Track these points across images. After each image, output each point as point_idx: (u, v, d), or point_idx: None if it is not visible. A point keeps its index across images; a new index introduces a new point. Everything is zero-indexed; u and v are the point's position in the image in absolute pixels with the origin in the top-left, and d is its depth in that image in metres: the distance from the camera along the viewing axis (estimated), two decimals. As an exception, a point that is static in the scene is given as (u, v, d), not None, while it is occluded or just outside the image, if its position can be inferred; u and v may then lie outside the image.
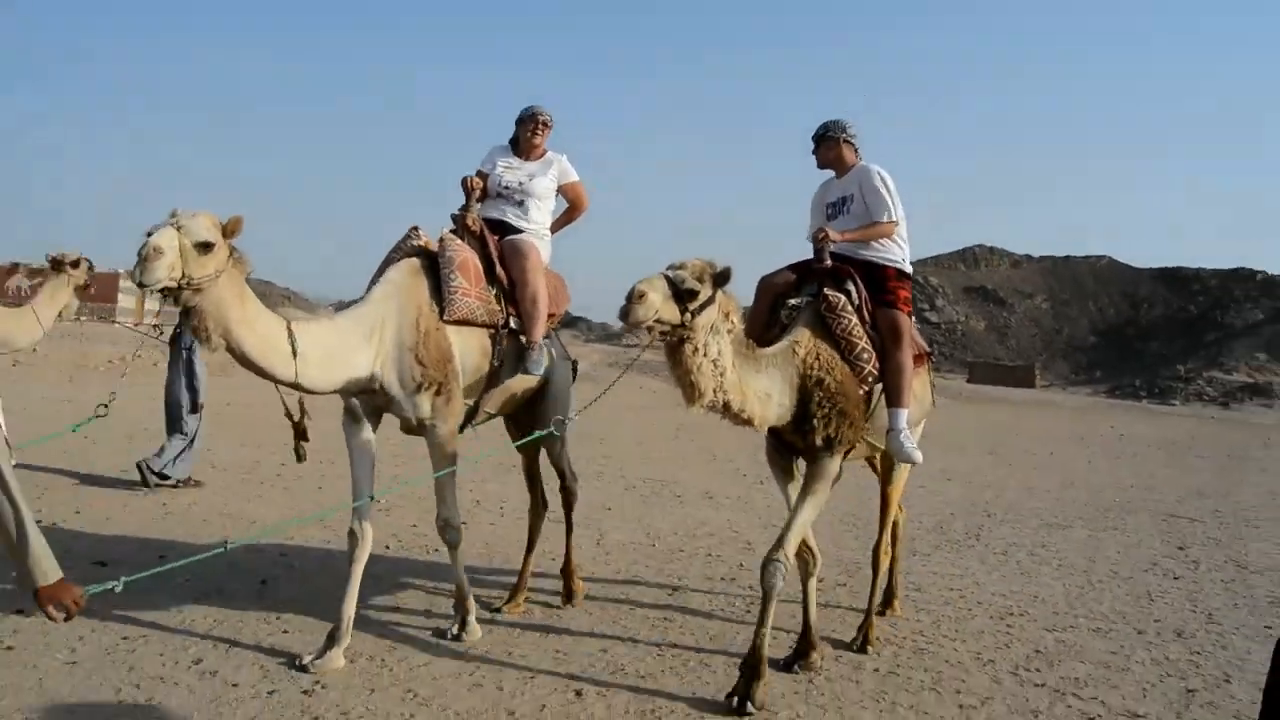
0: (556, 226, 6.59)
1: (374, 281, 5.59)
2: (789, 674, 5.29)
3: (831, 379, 5.26)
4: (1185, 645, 6.25)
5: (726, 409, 5.00)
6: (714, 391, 4.85)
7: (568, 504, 6.81)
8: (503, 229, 6.21)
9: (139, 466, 9.68)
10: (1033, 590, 7.49)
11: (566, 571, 6.63)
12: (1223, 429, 31.65)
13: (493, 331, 5.82)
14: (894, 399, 5.51)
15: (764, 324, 5.63)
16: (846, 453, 5.47)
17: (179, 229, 4.40)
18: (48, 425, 9.22)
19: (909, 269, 5.95)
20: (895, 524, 6.54)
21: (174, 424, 9.93)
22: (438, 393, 5.36)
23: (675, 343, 4.75)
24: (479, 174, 6.30)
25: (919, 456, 5.64)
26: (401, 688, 4.82)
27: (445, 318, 5.51)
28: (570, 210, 6.65)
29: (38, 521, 3.05)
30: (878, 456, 6.09)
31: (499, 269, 5.98)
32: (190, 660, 4.98)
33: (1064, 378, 64.81)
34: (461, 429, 5.81)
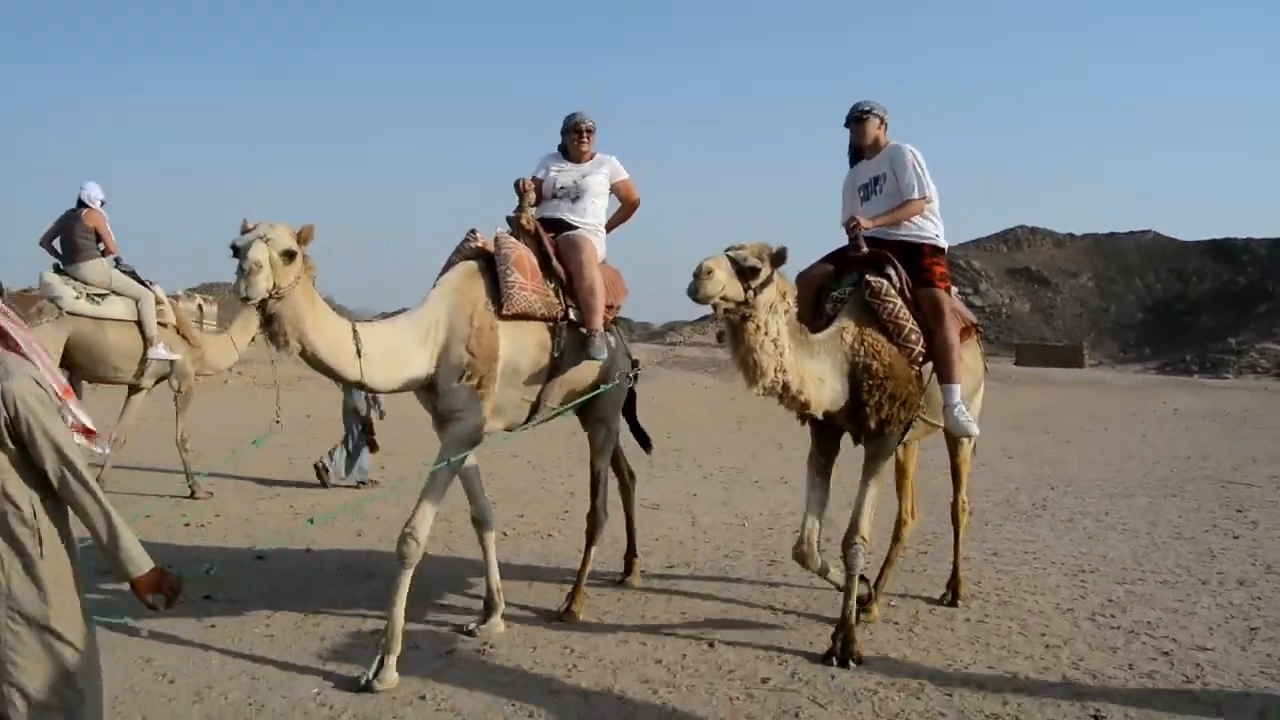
0: (611, 225, 6.75)
1: (435, 286, 5.75)
2: (892, 624, 5.93)
3: (879, 364, 5.41)
4: (1247, 592, 6.80)
5: (785, 390, 5.15)
6: (775, 371, 5.02)
7: (591, 531, 6.48)
8: (558, 227, 6.39)
9: (316, 467, 10.68)
10: (1101, 551, 8.05)
11: (576, 592, 6.29)
12: (1277, 399, 31.80)
13: (551, 325, 5.95)
14: (945, 375, 5.68)
15: (810, 318, 5.70)
16: (904, 433, 5.73)
17: (266, 241, 4.62)
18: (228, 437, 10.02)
19: (943, 244, 6.05)
20: (901, 525, 6.72)
21: (349, 429, 10.91)
22: (476, 386, 5.45)
23: (738, 321, 4.93)
24: (533, 179, 6.43)
25: (975, 429, 5.91)
26: (559, 645, 5.51)
27: (504, 313, 5.65)
28: (623, 208, 6.84)
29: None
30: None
31: (555, 263, 6.14)
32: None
33: (1112, 356, 64.66)
34: (526, 423, 6.02)
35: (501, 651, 5.44)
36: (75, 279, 9.34)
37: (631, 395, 7.08)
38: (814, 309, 5.82)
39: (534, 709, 4.61)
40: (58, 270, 9.42)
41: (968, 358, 6.03)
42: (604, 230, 6.63)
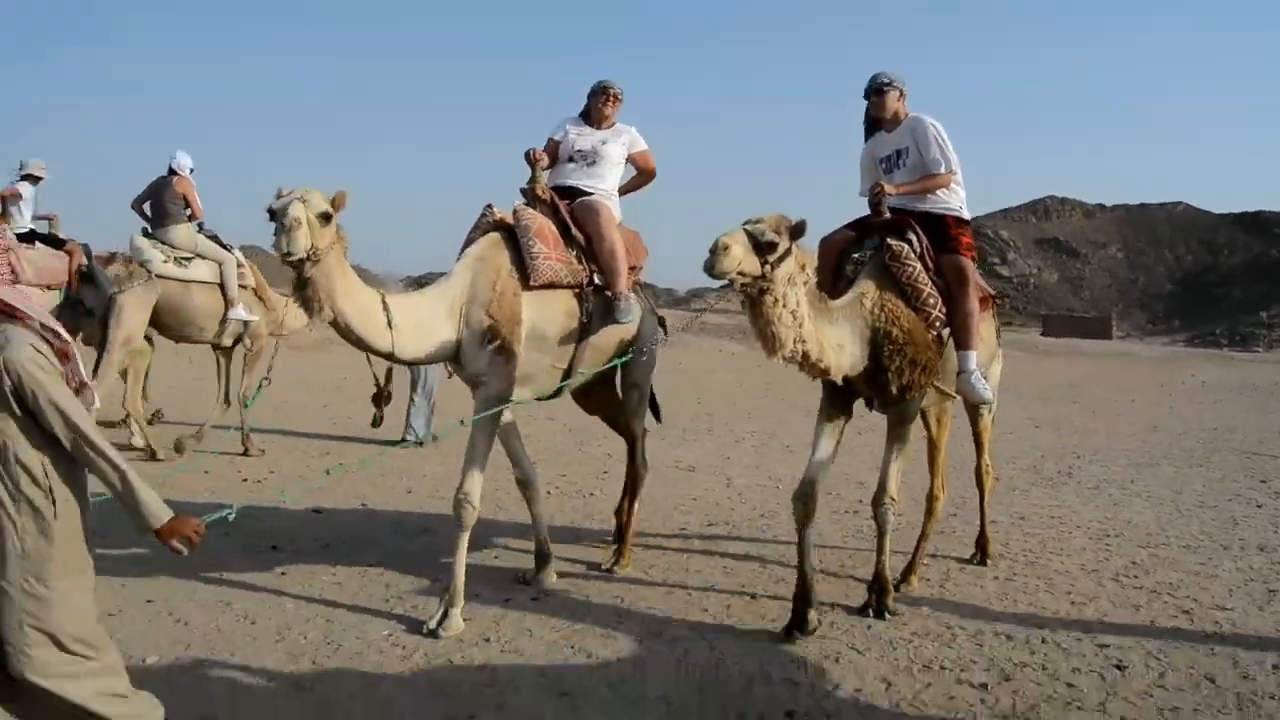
0: (625, 191, 6.77)
1: (459, 260, 5.83)
2: (924, 581, 6.23)
3: (899, 329, 5.44)
4: (1267, 558, 7.05)
5: (805, 359, 5.18)
6: (794, 342, 5.04)
7: (632, 489, 6.81)
8: (572, 194, 6.42)
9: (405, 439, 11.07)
10: (1125, 517, 8.32)
11: (621, 544, 6.67)
12: (1305, 373, 31.85)
13: (577, 291, 6.03)
14: (963, 342, 5.71)
15: (830, 282, 5.74)
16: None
17: (304, 201, 4.74)
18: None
19: (967, 215, 6.09)
20: (934, 500, 6.73)
21: (414, 385, 11.38)
22: (499, 350, 5.52)
23: (756, 294, 4.94)
24: (550, 142, 6.54)
25: (990, 395, 5.96)
26: (610, 594, 5.85)
27: (532, 283, 5.74)
28: (639, 176, 6.86)
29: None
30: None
31: (574, 230, 6.21)
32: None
33: (1141, 328, 64.53)
34: (558, 392, 6.16)
35: (556, 601, 5.79)
36: (163, 242, 9.78)
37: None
38: (834, 272, 5.88)
39: (591, 651, 4.99)
40: (146, 234, 9.84)
41: (983, 330, 6.06)
42: (617, 196, 6.69)
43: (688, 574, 6.39)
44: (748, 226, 4.92)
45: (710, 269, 4.83)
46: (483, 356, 5.53)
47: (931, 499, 6.72)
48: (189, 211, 10.16)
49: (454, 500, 5.48)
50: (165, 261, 9.67)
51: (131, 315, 9.45)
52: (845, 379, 5.53)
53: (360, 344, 5.28)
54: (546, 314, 5.85)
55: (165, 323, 9.85)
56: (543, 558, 6.22)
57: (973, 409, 6.64)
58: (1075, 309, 66.64)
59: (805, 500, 5.53)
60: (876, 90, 6.09)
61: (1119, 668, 4.88)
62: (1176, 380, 26.31)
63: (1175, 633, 5.41)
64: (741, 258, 4.81)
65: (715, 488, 9.18)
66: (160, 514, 3.21)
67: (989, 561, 6.72)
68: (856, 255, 5.86)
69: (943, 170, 5.91)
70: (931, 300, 5.63)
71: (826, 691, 4.60)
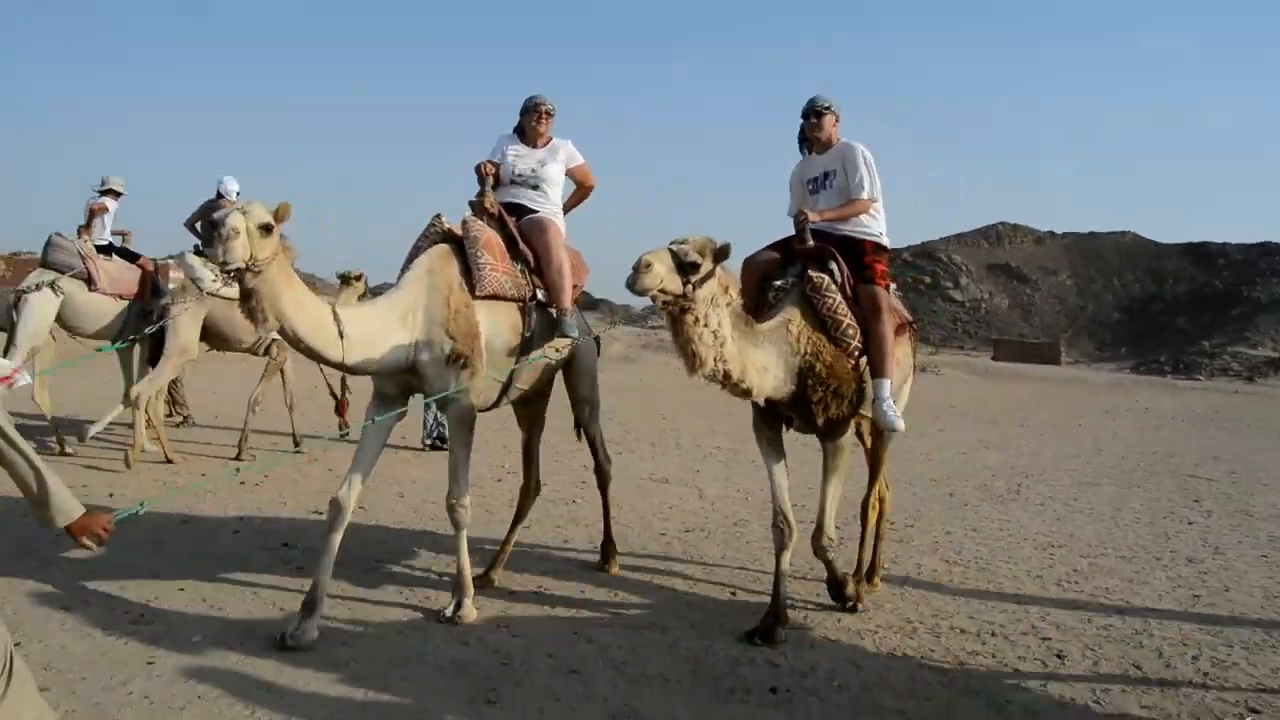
0: (567, 208, 6.87)
1: (405, 269, 5.91)
2: (886, 583, 6.85)
3: (822, 363, 5.57)
4: (1195, 568, 7.75)
5: (727, 379, 5.29)
6: (714, 361, 5.16)
7: (602, 484, 7.16)
8: (519, 211, 6.49)
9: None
10: (1069, 530, 9.00)
11: (606, 545, 7.04)
12: (1246, 402, 32.74)
13: (521, 305, 6.13)
14: (877, 370, 5.78)
15: (753, 304, 5.82)
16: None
17: (244, 213, 4.82)
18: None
19: (886, 241, 6.17)
20: (881, 501, 6.91)
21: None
22: (464, 366, 5.61)
23: (678, 313, 5.06)
24: (489, 163, 6.53)
25: (902, 425, 5.95)
26: (606, 590, 6.43)
27: (477, 294, 5.80)
28: (579, 191, 6.95)
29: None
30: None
31: (522, 246, 6.28)
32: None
33: (1089, 354, 65.66)
34: (496, 404, 6.23)
35: (555, 596, 6.34)
36: (213, 261, 10.39)
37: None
38: (757, 295, 5.98)
39: (592, 637, 5.56)
40: (197, 251, 10.42)
41: (900, 354, 6.17)
42: (562, 214, 6.77)
43: (673, 573, 6.96)
44: (672, 246, 5.05)
45: (632, 285, 4.97)
46: (449, 376, 5.63)
47: (880, 501, 6.91)
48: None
49: (447, 506, 5.82)
50: (214, 280, 10.21)
51: (187, 329, 10.07)
52: (768, 401, 5.66)
53: (311, 354, 5.35)
54: (493, 326, 5.94)
55: (212, 334, 10.41)
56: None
57: (876, 435, 6.63)
58: (1025, 334, 67.74)
59: (783, 529, 5.83)
60: (816, 113, 6.20)
61: (1059, 657, 5.55)
62: (1122, 406, 27.14)
63: (1109, 629, 6.09)
64: (664, 276, 4.95)
65: (689, 498, 9.77)
66: (73, 511, 3.23)
67: (863, 601, 6.36)
68: (779, 283, 5.98)
69: (864, 195, 6.00)
70: (850, 331, 5.75)
71: (804, 672, 5.17)
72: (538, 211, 6.55)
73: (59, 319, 10.19)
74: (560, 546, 7.62)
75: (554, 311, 6.33)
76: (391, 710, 4.58)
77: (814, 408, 5.61)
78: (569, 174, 6.82)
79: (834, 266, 5.90)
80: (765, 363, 5.48)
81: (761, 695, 4.89)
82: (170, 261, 10.64)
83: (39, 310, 9.91)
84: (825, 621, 6.01)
